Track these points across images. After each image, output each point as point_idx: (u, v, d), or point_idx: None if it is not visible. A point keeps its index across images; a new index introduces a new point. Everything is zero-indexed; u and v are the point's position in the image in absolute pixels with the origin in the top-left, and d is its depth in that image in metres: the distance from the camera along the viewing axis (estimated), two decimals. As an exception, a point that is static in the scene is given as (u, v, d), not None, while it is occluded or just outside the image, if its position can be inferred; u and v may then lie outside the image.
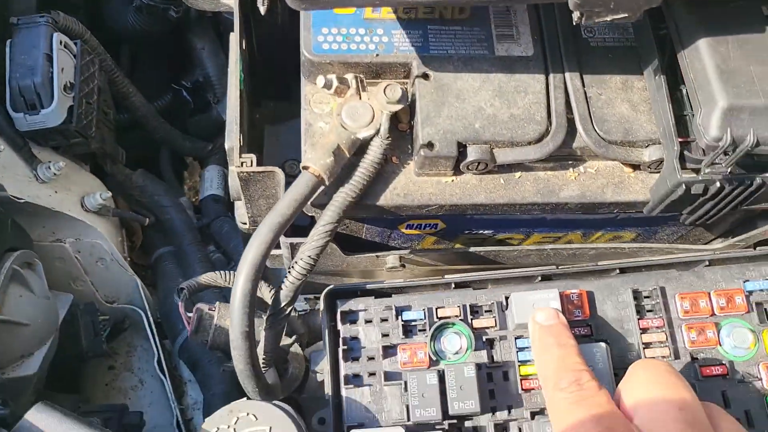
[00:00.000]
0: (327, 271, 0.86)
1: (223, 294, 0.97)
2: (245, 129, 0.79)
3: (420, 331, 0.67)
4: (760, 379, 0.63)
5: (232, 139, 0.81)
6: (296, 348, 0.82)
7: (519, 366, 0.65)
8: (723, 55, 0.60)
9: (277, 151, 1.03)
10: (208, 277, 0.82)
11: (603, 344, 0.62)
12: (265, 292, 0.82)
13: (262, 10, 0.83)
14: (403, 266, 0.80)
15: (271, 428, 0.58)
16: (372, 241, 0.82)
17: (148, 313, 0.95)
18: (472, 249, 0.81)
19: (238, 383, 0.82)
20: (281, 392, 0.79)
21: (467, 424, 0.64)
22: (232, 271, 0.83)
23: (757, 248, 0.68)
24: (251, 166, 0.73)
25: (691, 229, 0.86)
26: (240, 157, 0.73)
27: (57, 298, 0.85)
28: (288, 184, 0.72)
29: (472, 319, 0.67)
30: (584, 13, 0.56)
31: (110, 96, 1.06)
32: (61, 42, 0.90)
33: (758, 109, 0.59)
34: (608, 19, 0.56)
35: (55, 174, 0.90)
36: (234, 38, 0.82)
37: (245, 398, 0.63)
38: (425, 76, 0.69)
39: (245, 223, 0.88)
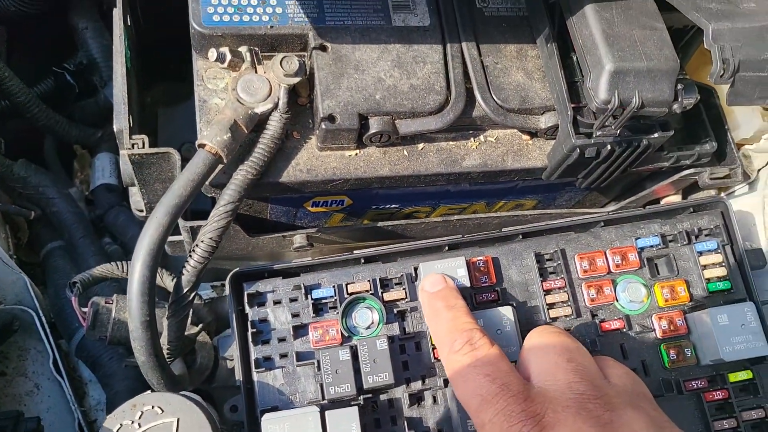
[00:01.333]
0: (232, 255, 0.83)
1: (121, 286, 0.92)
2: (135, 109, 0.75)
3: (331, 308, 0.66)
4: (653, 330, 0.67)
5: (121, 120, 0.76)
6: (203, 336, 0.79)
7: (430, 336, 0.65)
8: (608, 20, 0.62)
9: (172, 135, 0.99)
10: (103, 269, 0.77)
11: (509, 308, 0.64)
12: (167, 280, 0.78)
13: (147, -17, 0.78)
14: (311, 245, 0.79)
15: (178, 420, 0.55)
16: (277, 221, 0.80)
17: (40, 312, 0.88)
18: (380, 224, 0.80)
19: (143, 378, 0.78)
20: (190, 383, 0.75)
21: (382, 397, 0.64)
22: (128, 261, 0.78)
23: (646, 207, 0.72)
24: (143, 147, 0.69)
25: (587, 194, 0.89)
26: (131, 138, 0.69)
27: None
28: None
29: (382, 293, 0.66)
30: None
31: (-18, 80, 0.97)
32: None
33: (641, 72, 0.61)
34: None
35: None
36: (117, 13, 0.77)
37: (149, 391, 0.60)
38: (323, 48, 0.67)
39: (141, 211, 0.84)
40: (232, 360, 0.77)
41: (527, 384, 0.54)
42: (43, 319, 0.88)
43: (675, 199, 0.86)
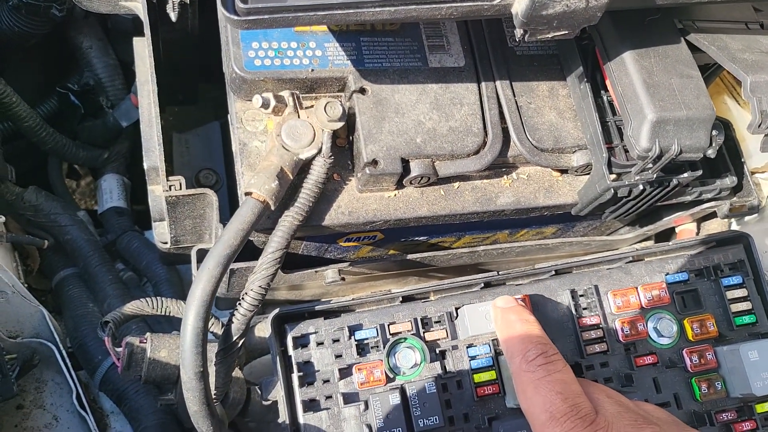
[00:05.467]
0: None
1: (146, 320, 0.91)
2: (165, 147, 0.74)
3: (372, 348, 0.67)
4: (684, 364, 0.69)
5: (153, 158, 0.76)
6: (235, 372, 0.79)
7: (473, 374, 0.66)
8: (648, 69, 0.64)
9: (188, 160, 0.98)
10: (134, 307, 0.77)
11: (552, 348, 0.65)
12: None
13: (173, 16, 0.77)
14: (343, 279, 0.79)
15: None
16: (308, 255, 0.80)
17: (60, 347, 0.87)
18: (409, 257, 0.81)
19: (172, 413, 0.78)
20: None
21: (429, 437, 0.65)
22: (160, 298, 0.78)
23: (672, 242, 0.74)
24: (180, 189, 0.69)
25: (605, 221, 0.91)
26: (168, 180, 0.69)
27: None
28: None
29: (424, 333, 0.67)
30: (528, 30, 0.57)
31: (-11, 106, 0.95)
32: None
33: (681, 121, 0.63)
34: (550, 36, 0.58)
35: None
36: (144, 46, 0.77)
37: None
38: (362, 91, 0.68)
39: (166, 243, 0.83)
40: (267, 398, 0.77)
41: (593, 408, 0.56)
42: (64, 353, 0.87)
43: (691, 226, 0.89)
